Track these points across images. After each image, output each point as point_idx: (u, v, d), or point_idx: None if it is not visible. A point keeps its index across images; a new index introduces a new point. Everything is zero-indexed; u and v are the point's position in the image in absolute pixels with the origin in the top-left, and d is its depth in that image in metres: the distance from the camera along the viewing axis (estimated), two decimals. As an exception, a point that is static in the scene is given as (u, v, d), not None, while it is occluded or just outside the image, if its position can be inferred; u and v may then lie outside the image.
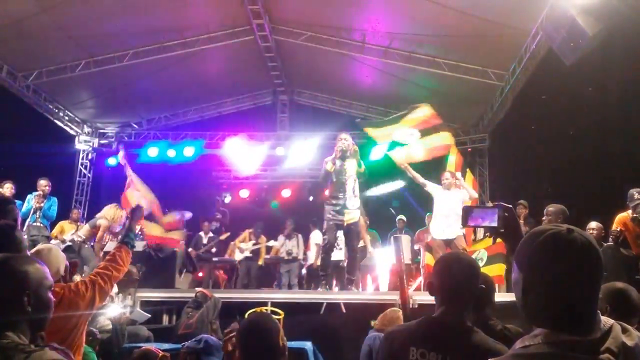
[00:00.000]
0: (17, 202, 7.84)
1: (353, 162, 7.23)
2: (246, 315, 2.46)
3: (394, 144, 7.89)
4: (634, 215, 6.07)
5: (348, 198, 7.14)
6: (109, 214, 8.15)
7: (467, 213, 2.01)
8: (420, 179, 7.68)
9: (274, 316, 2.45)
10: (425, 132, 7.72)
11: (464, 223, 2.02)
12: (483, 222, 1.98)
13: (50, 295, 1.82)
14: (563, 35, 7.61)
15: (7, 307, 1.69)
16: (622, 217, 6.29)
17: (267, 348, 2.28)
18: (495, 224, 1.91)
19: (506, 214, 1.91)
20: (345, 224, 7.14)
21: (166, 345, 5.15)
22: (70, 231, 8.71)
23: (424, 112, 7.77)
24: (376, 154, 12.75)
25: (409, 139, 7.70)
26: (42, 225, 8.40)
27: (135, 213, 3.56)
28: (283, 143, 13.89)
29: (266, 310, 2.36)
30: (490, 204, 1.97)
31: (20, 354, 1.60)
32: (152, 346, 3.71)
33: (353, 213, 7.19)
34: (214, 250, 10.68)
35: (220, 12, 10.84)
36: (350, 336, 5.59)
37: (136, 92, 12.85)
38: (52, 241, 8.42)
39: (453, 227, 7.35)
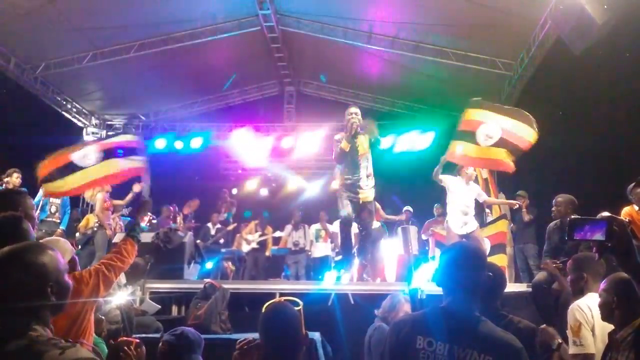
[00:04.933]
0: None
1: (365, 139, 6.89)
2: (265, 306, 2.44)
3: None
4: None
5: (362, 178, 6.86)
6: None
7: (574, 225, 1.87)
8: (439, 175, 7.21)
9: (294, 306, 2.45)
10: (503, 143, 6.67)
11: (570, 236, 1.89)
12: (591, 236, 1.84)
13: (68, 278, 1.85)
14: (572, 24, 7.55)
15: (32, 299, 1.70)
16: (627, 210, 6.27)
17: (289, 336, 2.29)
18: (603, 238, 1.80)
19: (616, 227, 1.80)
20: (360, 201, 6.85)
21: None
22: (87, 223, 8.85)
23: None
24: (385, 143, 12.74)
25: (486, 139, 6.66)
26: (58, 221, 8.46)
27: (141, 208, 3.67)
28: (290, 134, 13.88)
29: (285, 300, 2.32)
30: (599, 216, 1.81)
31: (55, 349, 1.62)
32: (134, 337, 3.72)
33: (368, 192, 6.91)
34: (221, 241, 10.71)
35: (226, 3, 10.82)
36: (358, 327, 5.59)
37: (143, 83, 12.87)
38: (77, 235, 8.53)
39: (470, 223, 7.15)
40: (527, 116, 6.45)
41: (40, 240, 2.92)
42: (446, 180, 7.34)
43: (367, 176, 6.93)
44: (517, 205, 7.95)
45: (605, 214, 1.83)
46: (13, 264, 1.74)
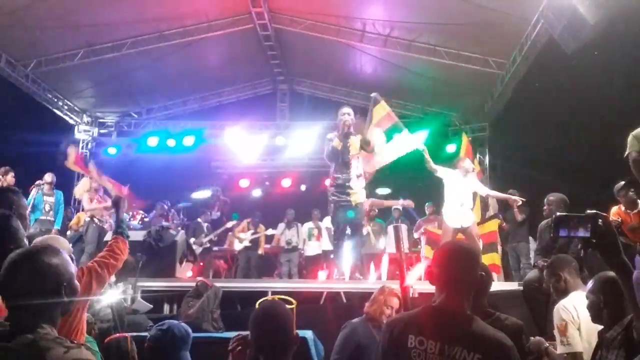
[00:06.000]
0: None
1: (357, 140, 6.90)
2: (258, 303, 2.43)
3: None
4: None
5: (352, 178, 6.84)
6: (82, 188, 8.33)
7: (559, 223, 1.85)
8: (431, 164, 7.21)
9: (287, 305, 2.43)
10: (389, 130, 7.34)
11: (555, 233, 1.87)
12: (576, 233, 1.82)
13: (77, 281, 1.94)
14: (564, 24, 7.57)
15: (48, 299, 1.77)
16: (616, 210, 6.33)
17: (280, 336, 2.27)
18: (588, 235, 1.79)
19: (601, 224, 1.79)
20: (353, 204, 6.82)
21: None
22: (79, 221, 8.80)
23: (384, 109, 7.35)
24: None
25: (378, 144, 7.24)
26: (53, 219, 8.45)
27: (118, 204, 3.57)
28: (283, 132, 13.86)
29: (279, 298, 2.27)
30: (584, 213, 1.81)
31: (59, 347, 1.68)
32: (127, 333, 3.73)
33: (358, 193, 6.88)
34: (215, 238, 10.63)
35: (219, 0, 10.78)
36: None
37: (135, 81, 12.82)
38: (68, 232, 8.50)
39: (467, 215, 7.10)
40: None
41: (38, 238, 2.91)
42: (442, 171, 7.29)
43: (358, 176, 6.91)
44: (520, 202, 7.90)
45: (591, 211, 1.83)
46: (30, 263, 1.80)
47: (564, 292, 3.47)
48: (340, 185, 6.89)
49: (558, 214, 1.84)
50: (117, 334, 3.68)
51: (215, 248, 10.66)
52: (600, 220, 1.79)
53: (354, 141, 6.91)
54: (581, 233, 1.81)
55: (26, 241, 2.53)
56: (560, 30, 7.73)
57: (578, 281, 3.50)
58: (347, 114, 6.98)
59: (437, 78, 11.65)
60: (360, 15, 10.80)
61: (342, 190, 6.87)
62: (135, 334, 4.62)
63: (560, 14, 7.66)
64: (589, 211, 1.81)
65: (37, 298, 1.75)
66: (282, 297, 2.46)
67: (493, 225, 8.68)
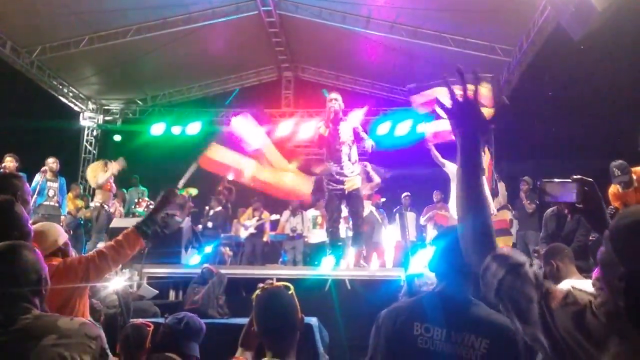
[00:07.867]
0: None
1: (347, 126, 6.72)
2: (259, 287, 2.40)
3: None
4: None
5: (344, 165, 6.68)
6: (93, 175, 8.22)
7: (544, 188, 1.85)
8: (440, 158, 7.15)
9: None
10: None
11: (541, 199, 1.89)
12: (561, 198, 1.83)
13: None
14: (571, 10, 7.50)
15: (33, 287, 1.89)
16: (613, 189, 6.33)
17: (286, 321, 2.25)
18: (573, 200, 1.79)
19: (586, 189, 1.79)
20: (346, 192, 6.69)
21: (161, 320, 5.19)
22: (77, 207, 8.80)
23: None
24: (383, 129, 12.72)
25: None
26: (57, 205, 8.46)
27: (166, 196, 3.22)
28: (287, 120, 13.83)
29: (278, 284, 2.22)
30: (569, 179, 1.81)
31: (64, 317, 1.86)
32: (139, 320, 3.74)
33: (353, 180, 6.72)
34: (210, 225, 10.58)
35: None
36: (354, 312, 5.62)
37: (140, 68, 12.80)
38: (63, 218, 8.51)
39: None
40: None
41: (36, 225, 2.90)
42: (450, 167, 7.17)
43: (353, 163, 6.76)
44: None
45: (576, 176, 1.82)
46: (15, 256, 1.90)
47: (557, 280, 3.52)
48: (333, 174, 6.76)
49: (544, 180, 1.84)
50: (139, 321, 3.69)
51: (221, 235, 10.67)
52: (585, 185, 1.78)
53: (344, 127, 6.73)
54: (567, 198, 1.81)
55: (30, 226, 2.53)
56: (567, 17, 7.66)
57: (572, 269, 3.54)
58: (334, 99, 6.80)
59: (443, 65, 11.56)
60: (366, 2, 10.71)
61: (335, 178, 6.74)
62: (153, 319, 4.67)
63: (567, 0, 7.59)
64: (574, 176, 1.80)
65: (26, 286, 1.86)
66: (279, 283, 2.41)
67: (503, 215, 8.77)
